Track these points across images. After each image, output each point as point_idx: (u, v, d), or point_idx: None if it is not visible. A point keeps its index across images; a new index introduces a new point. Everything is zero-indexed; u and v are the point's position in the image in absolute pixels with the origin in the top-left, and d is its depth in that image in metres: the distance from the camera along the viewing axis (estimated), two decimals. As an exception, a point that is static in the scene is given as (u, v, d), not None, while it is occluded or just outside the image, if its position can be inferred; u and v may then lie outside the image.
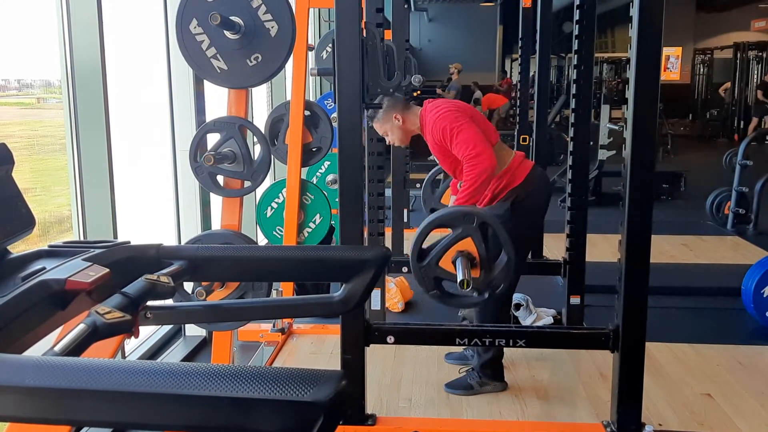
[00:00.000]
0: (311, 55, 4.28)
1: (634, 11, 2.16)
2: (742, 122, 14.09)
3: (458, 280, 2.13)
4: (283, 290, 3.51)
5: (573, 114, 3.49)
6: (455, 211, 2.29)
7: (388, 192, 4.15)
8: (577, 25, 3.42)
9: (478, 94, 14.79)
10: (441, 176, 4.11)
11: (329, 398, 0.62)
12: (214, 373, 0.65)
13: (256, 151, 2.55)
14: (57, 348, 0.85)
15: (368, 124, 2.92)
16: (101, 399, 0.65)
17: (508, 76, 16.96)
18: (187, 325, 3.55)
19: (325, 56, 4.46)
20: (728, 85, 14.91)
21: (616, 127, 6.79)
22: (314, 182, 4.15)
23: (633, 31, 2.16)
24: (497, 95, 14.89)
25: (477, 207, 2.27)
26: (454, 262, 2.21)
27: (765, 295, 3.67)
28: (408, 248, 4.85)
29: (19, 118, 2.79)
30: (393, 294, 4.02)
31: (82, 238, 2.70)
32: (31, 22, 2.67)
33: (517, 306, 3.68)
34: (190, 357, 3.41)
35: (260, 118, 4.60)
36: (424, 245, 2.26)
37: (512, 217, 2.68)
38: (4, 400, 0.66)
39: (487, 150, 2.56)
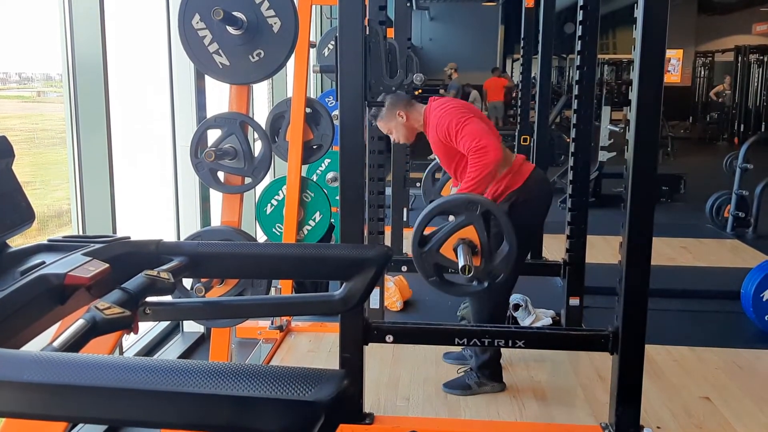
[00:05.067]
0: (313, 52, 4.27)
1: (639, 14, 2.15)
2: (742, 125, 14.08)
3: (459, 266, 2.10)
4: (282, 288, 3.50)
5: (575, 115, 3.48)
6: (458, 199, 2.26)
7: (388, 190, 4.14)
8: (579, 26, 3.41)
9: (474, 94, 14.75)
10: (440, 175, 4.10)
11: (331, 398, 0.61)
12: (215, 371, 0.64)
13: (257, 147, 2.54)
14: (56, 343, 0.84)
15: (371, 123, 2.91)
16: (100, 396, 0.64)
17: (508, 73, 16.68)
18: (185, 321, 3.54)
19: (326, 53, 4.46)
20: (721, 87, 14.85)
21: (617, 129, 6.79)
22: (314, 180, 4.14)
23: (637, 34, 2.16)
24: (495, 85, 14.66)
25: (480, 195, 2.24)
26: (455, 249, 2.19)
27: (764, 299, 3.66)
28: (407, 247, 4.87)
29: (20, 112, 2.78)
30: (392, 293, 4.02)
31: (81, 232, 2.69)
32: (33, 16, 2.66)
33: (516, 307, 3.67)
34: (188, 353, 3.40)
35: (261, 114, 4.59)
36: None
37: (510, 218, 2.67)
38: (2, 395, 0.65)
39: (492, 143, 2.49)
